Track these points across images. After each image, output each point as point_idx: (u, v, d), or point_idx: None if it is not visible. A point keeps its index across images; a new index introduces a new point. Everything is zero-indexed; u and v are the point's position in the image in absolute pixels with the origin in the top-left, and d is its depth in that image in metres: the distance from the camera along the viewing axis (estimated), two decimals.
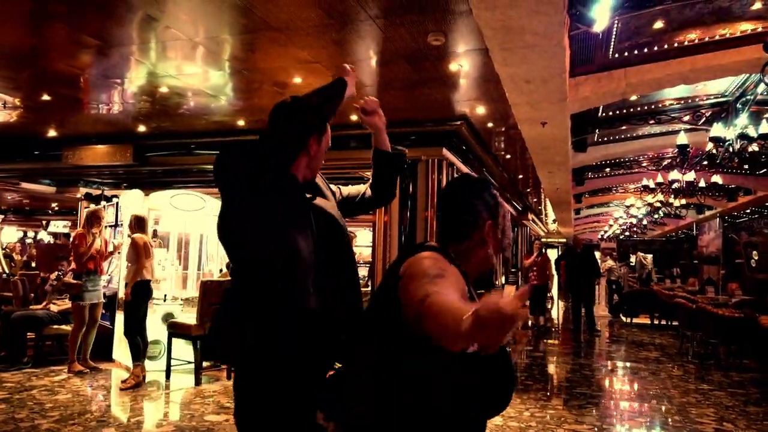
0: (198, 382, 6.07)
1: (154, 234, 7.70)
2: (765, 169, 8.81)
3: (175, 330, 6.32)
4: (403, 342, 1.47)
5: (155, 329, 6.63)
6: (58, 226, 20.15)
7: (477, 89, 5.76)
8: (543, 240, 21.13)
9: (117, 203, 7.92)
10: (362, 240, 12.96)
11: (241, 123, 7.25)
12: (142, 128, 7.72)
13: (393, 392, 1.49)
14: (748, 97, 6.12)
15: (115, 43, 4.86)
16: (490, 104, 6.27)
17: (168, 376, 6.30)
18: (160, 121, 7.30)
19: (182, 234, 7.89)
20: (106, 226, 7.14)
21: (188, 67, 5.40)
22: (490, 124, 7.23)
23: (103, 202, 9.16)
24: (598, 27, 3.57)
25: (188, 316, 6.55)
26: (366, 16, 4.03)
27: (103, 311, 6.94)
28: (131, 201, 7.31)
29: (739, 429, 4.97)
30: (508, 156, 9.22)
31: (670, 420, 5.24)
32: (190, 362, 6.44)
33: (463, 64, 4.97)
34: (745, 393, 6.32)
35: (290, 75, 5.42)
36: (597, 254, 15.10)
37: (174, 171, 8.68)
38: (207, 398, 5.57)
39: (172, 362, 6.36)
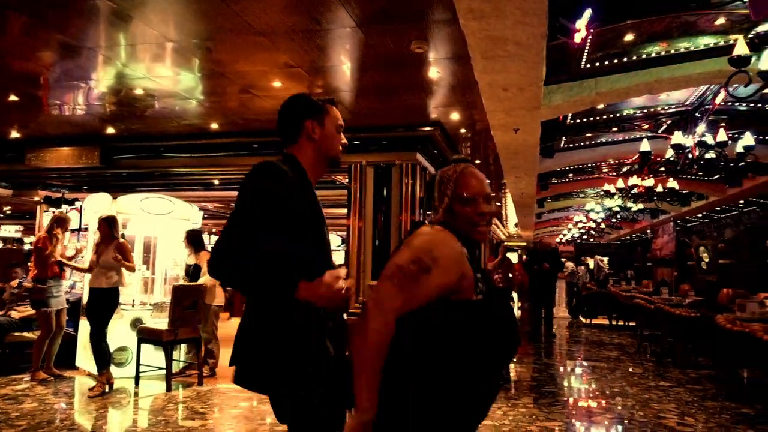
0: (169, 388, 5.97)
1: (122, 238, 7.52)
2: (717, 176, 9.28)
3: (145, 336, 6.20)
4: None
5: (123, 335, 6.49)
6: (10, 230, 19.32)
7: (453, 96, 5.90)
8: (505, 243, 21.49)
9: (81, 206, 7.70)
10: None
11: (214, 126, 7.19)
12: (110, 130, 7.55)
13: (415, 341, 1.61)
14: (707, 107, 6.47)
15: (85, 43, 4.75)
16: (464, 111, 6.42)
17: (137, 383, 6.17)
18: (130, 123, 7.16)
19: (150, 238, 7.74)
20: (69, 231, 6.95)
21: (162, 69, 5.33)
22: (462, 130, 7.40)
23: (64, 206, 8.89)
24: (577, 39, 3.74)
25: (157, 322, 6.44)
26: (352, 23, 4.10)
27: (67, 317, 6.74)
28: (98, 204, 7.12)
29: (699, 422, 5.22)
30: (477, 161, 9.43)
31: (634, 415, 5.46)
32: (160, 368, 6.33)
33: (442, 71, 5.09)
34: (702, 389, 6.64)
35: (270, 79, 5.43)
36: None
37: (142, 174, 8.49)
38: (180, 404, 5.50)
39: (142, 368, 6.23)
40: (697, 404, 5.89)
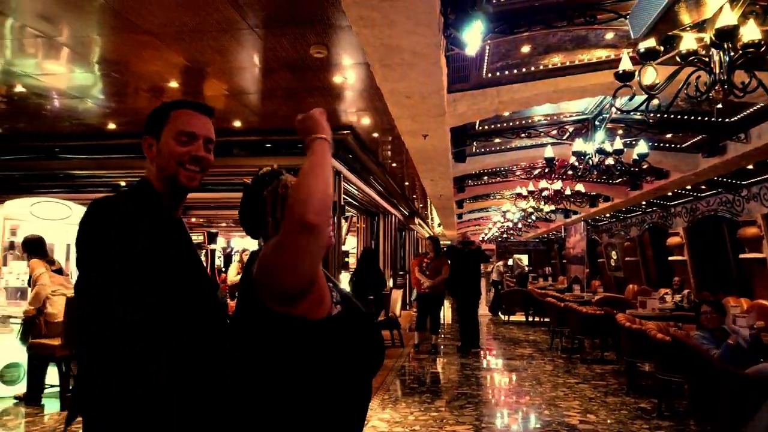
0: (64, 407, 5.61)
1: (11, 245, 7.00)
2: (619, 179, 9.80)
3: (37, 351, 5.78)
4: (271, 324, 1.48)
5: (15, 351, 6.03)
6: None
7: (362, 101, 5.85)
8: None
9: None
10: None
11: (111, 126, 6.79)
12: None
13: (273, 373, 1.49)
14: (604, 116, 6.77)
15: None
16: (375, 115, 6.39)
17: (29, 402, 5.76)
18: (15, 122, 6.64)
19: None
20: None
21: (51, 66, 4.96)
22: (375, 134, 7.36)
23: None
24: (471, 50, 3.77)
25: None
26: (245, 25, 3.95)
27: None
28: None
29: (600, 419, 5.45)
30: (395, 164, 9.46)
31: (541, 415, 5.63)
32: (54, 386, 5.92)
33: (347, 76, 5.04)
34: (605, 385, 6.95)
35: (165, 79, 5.18)
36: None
37: (34, 176, 7.93)
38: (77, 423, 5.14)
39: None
40: (599, 401, 6.14)
